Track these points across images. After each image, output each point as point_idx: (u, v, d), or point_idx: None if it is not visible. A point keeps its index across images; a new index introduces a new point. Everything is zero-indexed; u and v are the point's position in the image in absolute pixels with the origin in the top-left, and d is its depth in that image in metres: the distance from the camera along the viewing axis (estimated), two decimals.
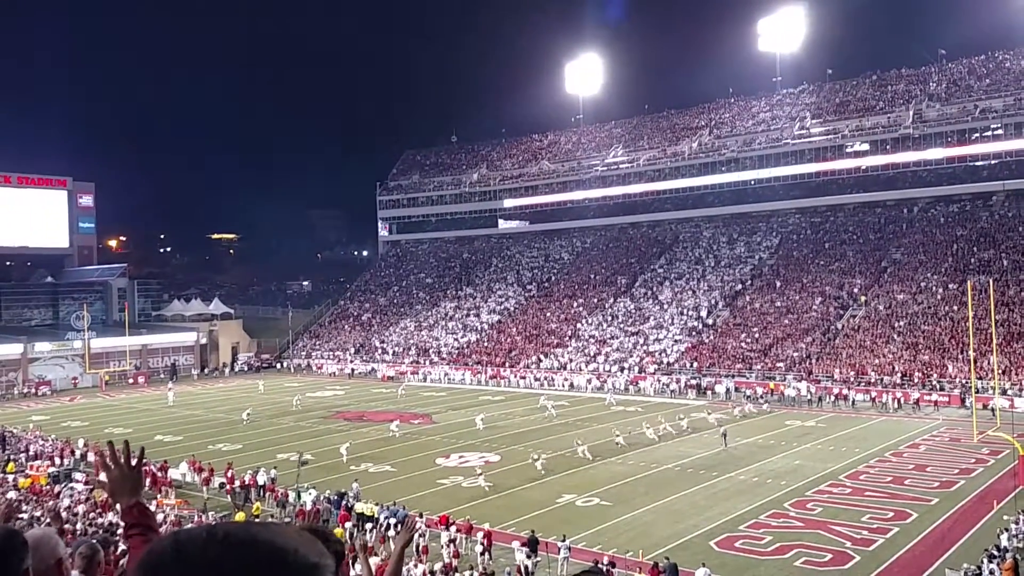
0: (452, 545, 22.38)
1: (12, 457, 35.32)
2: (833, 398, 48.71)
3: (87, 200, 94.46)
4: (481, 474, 31.07)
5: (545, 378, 61.76)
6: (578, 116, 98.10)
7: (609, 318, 69.44)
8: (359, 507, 26.11)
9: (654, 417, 43.01)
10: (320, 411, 51.16)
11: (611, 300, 72.24)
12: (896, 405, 46.47)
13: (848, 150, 70.42)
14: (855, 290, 60.98)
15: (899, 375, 49.55)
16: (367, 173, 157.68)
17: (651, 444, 37.51)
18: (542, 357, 65.98)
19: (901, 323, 54.93)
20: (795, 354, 55.55)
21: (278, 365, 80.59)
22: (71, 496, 26.19)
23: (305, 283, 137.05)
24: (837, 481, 29.83)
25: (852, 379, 50.64)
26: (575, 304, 73.83)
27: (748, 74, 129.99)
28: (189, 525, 22.84)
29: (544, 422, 44.77)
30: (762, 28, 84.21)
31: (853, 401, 48.18)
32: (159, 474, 31.33)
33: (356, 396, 58.14)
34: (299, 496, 27.71)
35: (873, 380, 49.99)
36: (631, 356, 62.27)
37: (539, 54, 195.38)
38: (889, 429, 40.52)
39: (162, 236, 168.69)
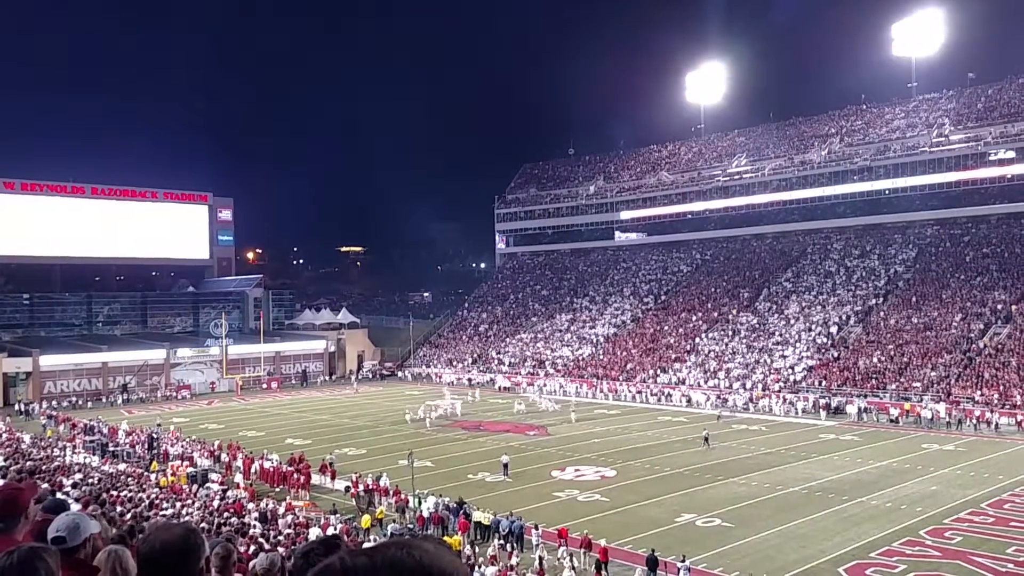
0: (571, 559, 22.26)
1: (156, 456, 37.65)
2: (974, 421, 45.72)
3: (226, 214, 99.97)
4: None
5: (662, 392, 60.71)
6: (699, 126, 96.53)
7: (730, 333, 67.64)
8: (477, 516, 26.38)
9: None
10: (439, 419, 52.05)
11: (733, 314, 70.39)
12: None
13: (991, 158, 66.23)
14: (999, 307, 57.11)
15: None
16: (485, 187, 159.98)
17: (774, 466, 36.26)
18: (659, 372, 64.96)
19: None
20: (933, 374, 52.50)
21: (399, 373, 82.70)
22: (207, 496, 27.63)
23: (426, 294, 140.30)
24: (978, 509, 27.93)
25: (995, 401, 47.40)
26: (694, 318, 72.33)
27: (881, 80, 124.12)
28: (316, 532, 23.60)
29: (663, 437, 44.05)
30: (896, 32, 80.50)
31: (996, 425, 45.01)
32: (296, 475, 32.66)
33: (474, 406, 58.85)
34: (420, 502, 28.25)
35: (1020, 403, 46.61)
36: (754, 373, 60.43)
37: (658, 65, 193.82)
38: None
39: (295, 249, 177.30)
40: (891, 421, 48.19)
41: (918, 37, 78.43)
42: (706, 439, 40.79)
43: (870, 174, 72.81)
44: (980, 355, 53.05)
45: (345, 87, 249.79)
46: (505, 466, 34.75)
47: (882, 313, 62.35)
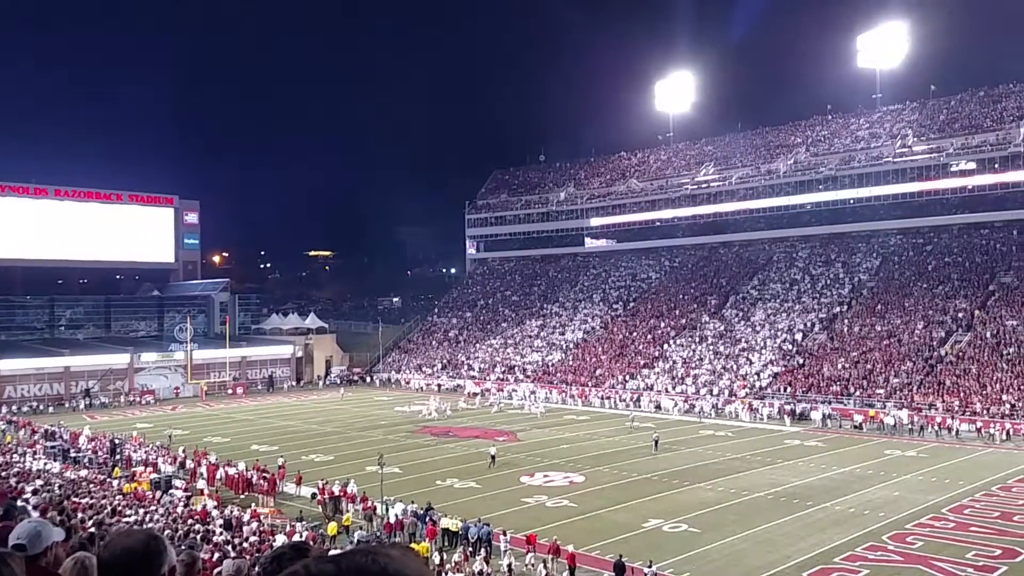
0: (543, 565, 22.26)
1: (119, 463, 37.04)
2: (936, 427, 46.50)
3: (192, 217, 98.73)
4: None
5: (631, 399, 60.96)
6: (668, 134, 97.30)
7: (698, 339, 68.21)
8: (445, 522, 26.29)
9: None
10: (408, 425, 51.88)
11: (700, 321, 70.98)
12: (1004, 436, 43.97)
13: (953, 169, 67.54)
14: (960, 315, 58.20)
15: (1008, 405, 46.95)
16: (456, 192, 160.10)
17: (740, 471, 36.60)
18: (628, 377, 65.28)
19: (1010, 350, 52.10)
20: (895, 380, 53.35)
21: (367, 379, 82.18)
22: (170, 503, 27.23)
23: (395, 299, 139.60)
24: (939, 514, 28.41)
25: (956, 408, 48.27)
26: (662, 324, 72.84)
27: (846, 91, 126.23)
28: (281, 541, 23.37)
29: (631, 443, 44.23)
30: (862, 44, 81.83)
31: (957, 431, 45.85)
32: (261, 482, 32.27)
33: (443, 411, 58.62)
34: (387, 509, 28.09)
35: (979, 410, 47.54)
36: (720, 379, 60.96)
37: (628, 73, 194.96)
38: (996, 462, 38.39)
39: (262, 253, 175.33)
40: (855, 427, 48.87)
41: (882, 49, 79.80)
42: (656, 442, 41.92)
43: (835, 183, 73.90)
44: (941, 363, 54.02)
45: (314, 91, 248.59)
46: (493, 457, 37.93)
47: (846, 321, 63.24)
